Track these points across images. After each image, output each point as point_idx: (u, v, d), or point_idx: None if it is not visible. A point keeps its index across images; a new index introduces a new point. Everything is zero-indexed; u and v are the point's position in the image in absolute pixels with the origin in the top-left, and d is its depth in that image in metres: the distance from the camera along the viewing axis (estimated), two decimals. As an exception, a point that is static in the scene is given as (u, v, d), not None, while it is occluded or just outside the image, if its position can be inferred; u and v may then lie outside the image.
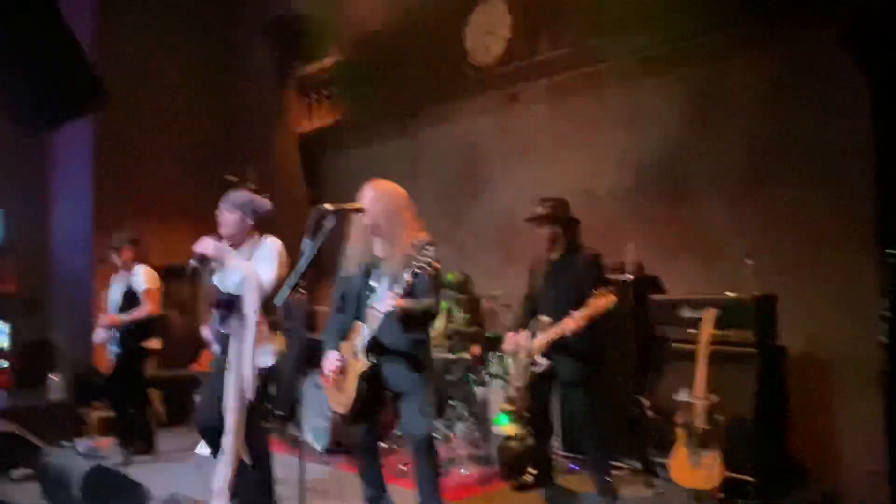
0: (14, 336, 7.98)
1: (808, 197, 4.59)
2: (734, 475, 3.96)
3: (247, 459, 3.73)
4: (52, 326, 8.12)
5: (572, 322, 3.92)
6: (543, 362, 4.16)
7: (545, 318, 4.18)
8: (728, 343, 4.21)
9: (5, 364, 7.84)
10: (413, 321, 3.34)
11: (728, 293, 4.37)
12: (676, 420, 4.07)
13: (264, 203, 3.93)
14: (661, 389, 4.51)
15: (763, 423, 4.12)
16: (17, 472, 4.83)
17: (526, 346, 4.24)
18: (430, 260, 3.15)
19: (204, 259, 3.71)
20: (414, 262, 3.17)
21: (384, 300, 3.24)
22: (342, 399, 3.45)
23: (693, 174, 5.17)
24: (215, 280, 3.82)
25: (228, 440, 3.64)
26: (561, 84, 5.83)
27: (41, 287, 8.16)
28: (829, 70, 4.44)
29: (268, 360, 3.77)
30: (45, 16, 5.84)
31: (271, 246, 3.78)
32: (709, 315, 4.12)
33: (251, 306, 3.61)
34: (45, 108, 6.26)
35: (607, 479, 4.19)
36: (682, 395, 4.08)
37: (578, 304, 4.01)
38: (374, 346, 3.35)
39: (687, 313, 4.47)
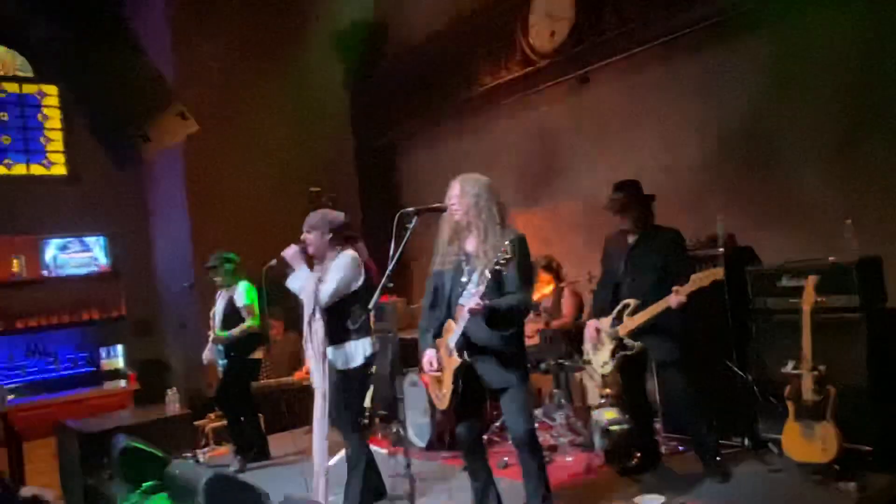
0: (129, 357, 8.48)
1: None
2: (852, 446, 3.79)
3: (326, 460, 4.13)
4: (164, 345, 8.59)
5: (676, 298, 3.89)
6: (635, 345, 4.12)
7: (631, 301, 4.13)
8: (833, 310, 4.04)
9: (124, 383, 8.34)
10: (500, 318, 3.32)
11: (829, 258, 4.20)
12: (785, 394, 3.94)
13: (337, 217, 4.22)
14: (767, 363, 4.36)
15: (878, 390, 3.93)
16: (146, 485, 5.13)
17: (610, 330, 4.20)
18: (507, 255, 3.12)
19: (283, 262, 4.11)
20: (494, 257, 3.17)
21: (469, 299, 3.24)
22: (441, 396, 3.51)
23: (780, 138, 4.99)
24: (287, 283, 4.16)
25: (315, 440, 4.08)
26: (632, 60, 5.72)
27: (150, 309, 8.64)
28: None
29: (348, 361, 4.06)
30: (131, 53, 6.21)
31: (340, 259, 4.08)
32: (810, 282, 3.96)
33: (307, 310, 4.02)
34: (136, 140, 6.66)
35: (717, 457, 4.11)
36: (789, 368, 3.95)
37: (664, 283, 4.00)
38: (466, 344, 3.37)
39: (787, 282, 4.32)
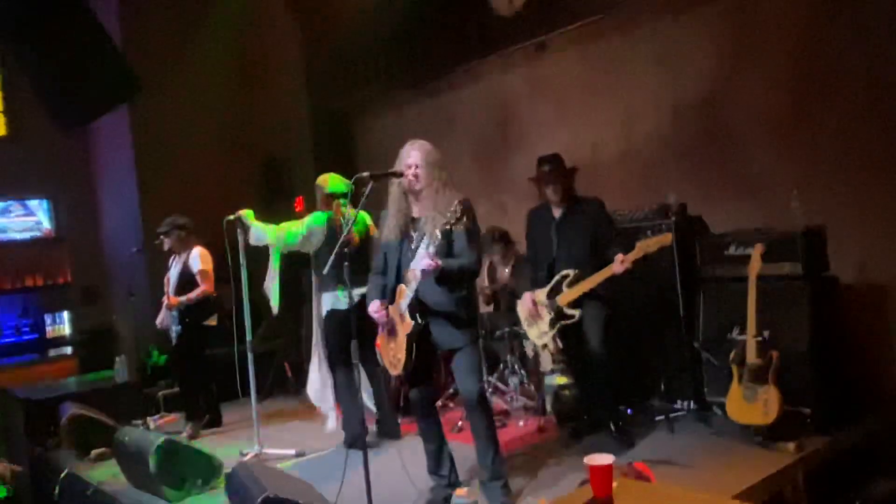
0: (75, 324, 8.29)
1: (853, 126, 4.47)
2: (792, 408, 3.93)
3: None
4: (112, 312, 8.40)
5: (622, 265, 3.92)
6: (575, 313, 4.15)
7: (570, 272, 4.17)
8: (778, 277, 4.16)
9: (69, 351, 8.17)
10: (451, 279, 3.36)
11: (775, 226, 4.31)
12: (730, 358, 4.06)
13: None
14: (714, 329, 4.49)
15: (818, 355, 4.08)
16: (95, 452, 5.07)
17: (548, 301, 4.24)
18: (457, 215, 3.16)
19: (239, 220, 4.66)
20: (444, 219, 3.19)
21: (419, 260, 3.26)
22: (395, 361, 3.52)
23: (733, 111, 5.07)
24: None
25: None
26: (590, 29, 5.72)
27: (97, 275, 8.43)
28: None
29: (320, 310, 4.67)
30: (76, 12, 5.96)
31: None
32: (757, 250, 4.06)
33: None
34: (82, 101, 6.43)
35: (619, 424, 4.22)
36: (735, 333, 4.07)
37: (596, 251, 4.09)
38: (418, 306, 3.39)
39: (734, 251, 4.42)
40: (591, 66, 5.91)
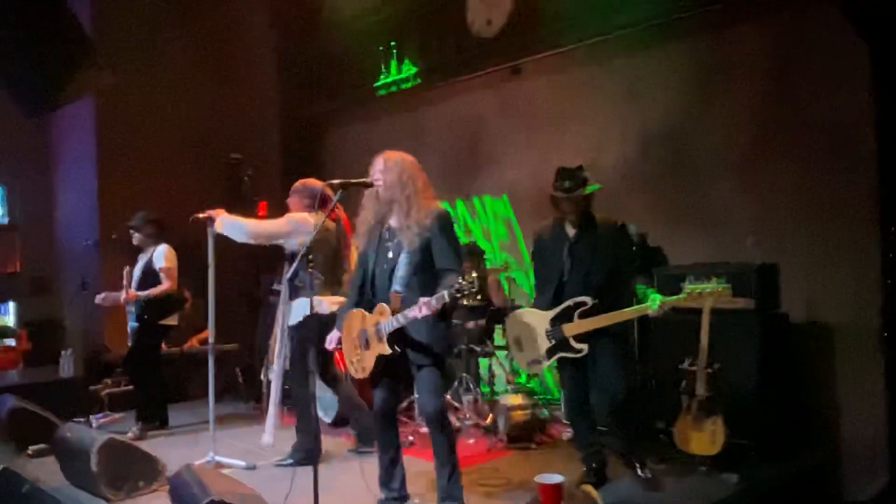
0: (21, 315, 8.04)
1: (810, 167, 4.63)
2: (737, 440, 4.02)
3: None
4: (60, 305, 8.17)
5: (661, 308, 3.65)
6: (583, 349, 3.75)
7: (587, 300, 3.74)
8: (731, 312, 4.24)
9: (13, 343, 7.91)
10: (449, 310, 3.30)
11: (731, 262, 4.43)
12: (681, 388, 4.14)
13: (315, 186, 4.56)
14: (666, 359, 4.57)
15: (765, 389, 4.19)
16: (34, 448, 4.92)
17: (552, 329, 3.84)
18: (436, 226, 3.20)
19: (210, 219, 4.43)
20: (419, 229, 3.22)
21: (418, 307, 3.11)
22: (361, 367, 3.48)
23: (696, 145, 5.21)
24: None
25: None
26: (564, 56, 5.82)
27: (48, 266, 8.20)
28: (833, 40, 4.45)
29: (292, 318, 4.49)
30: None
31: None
32: (712, 284, 4.15)
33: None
34: (47, 88, 6.28)
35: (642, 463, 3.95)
36: (686, 364, 4.14)
37: (614, 279, 3.80)
38: (399, 337, 3.32)
39: (690, 283, 4.50)
40: (563, 92, 6.01)
